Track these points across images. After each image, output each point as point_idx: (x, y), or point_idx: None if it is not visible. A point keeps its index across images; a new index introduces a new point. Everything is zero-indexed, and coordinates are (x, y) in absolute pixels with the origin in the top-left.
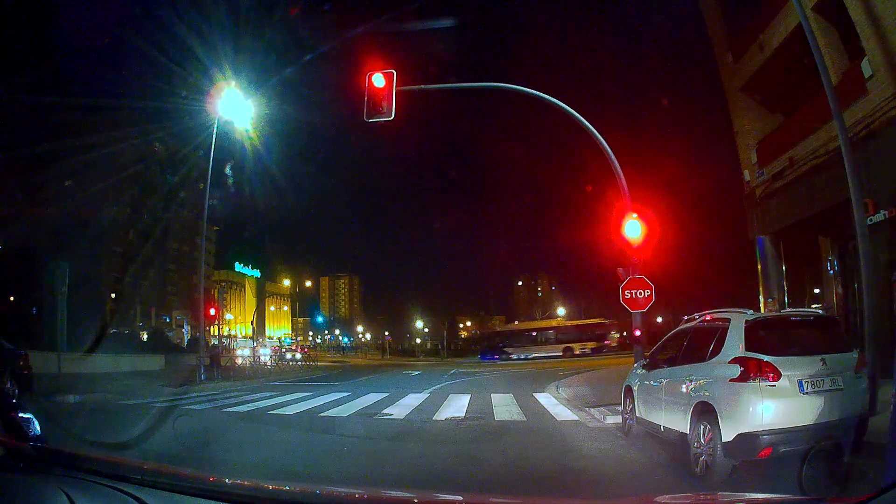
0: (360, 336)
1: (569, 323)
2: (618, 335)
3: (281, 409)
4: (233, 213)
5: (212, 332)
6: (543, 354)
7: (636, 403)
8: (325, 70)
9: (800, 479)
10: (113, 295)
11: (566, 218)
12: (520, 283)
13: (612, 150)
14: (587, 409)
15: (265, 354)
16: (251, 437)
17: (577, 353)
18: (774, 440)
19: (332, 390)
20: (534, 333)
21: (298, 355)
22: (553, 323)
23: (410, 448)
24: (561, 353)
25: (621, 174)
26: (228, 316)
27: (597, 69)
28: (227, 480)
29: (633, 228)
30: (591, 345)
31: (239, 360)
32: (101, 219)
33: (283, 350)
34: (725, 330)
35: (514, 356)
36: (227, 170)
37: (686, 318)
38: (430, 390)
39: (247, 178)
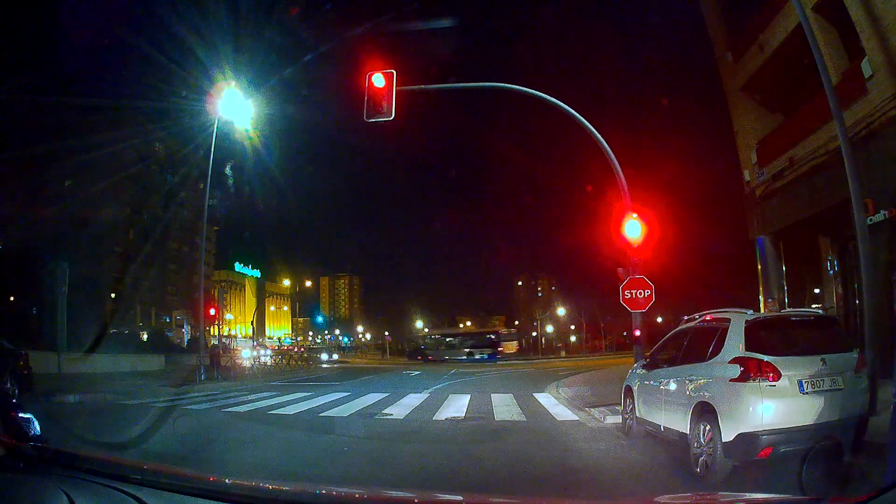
0: (361, 336)
1: (471, 330)
2: (515, 342)
3: (281, 409)
4: (233, 213)
5: (212, 332)
6: (452, 357)
7: (636, 403)
8: (325, 70)
9: (800, 479)
10: (113, 295)
11: (566, 218)
12: (520, 283)
13: (612, 150)
14: (587, 409)
15: (265, 355)
16: (251, 437)
17: (477, 357)
18: (774, 440)
19: (331, 390)
20: (445, 339)
21: (336, 356)
22: (459, 330)
23: (410, 448)
24: (465, 357)
25: (621, 174)
26: (228, 316)
27: (597, 69)
28: (227, 480)
29: (633, 228)
30: (487, 350)
31: (247, 363)
32: (101, 219)
33: (310, 348)
34: (725, 330)
35: (430, 358)
36: (227, 170)
37: (686, 318)
38: (430, 390)
39: (247, 178)
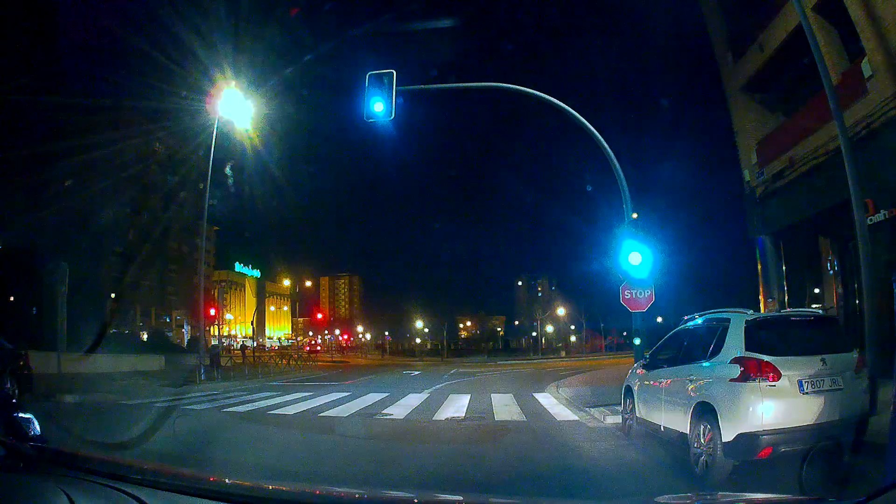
0: (360, 336)
1: None
2: None
3: (281, 409)
4: (233, 213)
5: (212, 333)
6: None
7: (636, 403)
8: (325, 70)
9: (800, 479)
10: (113, 295)
11: (566, 218)
12: (520, 283)
13: (612, 150)
14: (587, 409)
15: None
16: (251, 437)
17: None
18: (774, 440)
19: (331, 390)
20: None
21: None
22: None
23: (410, 448)
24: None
25: (621, 174)
26: (228, 316)
27: (597, 70)
28: (227, 480)
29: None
30: None
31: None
32: (101, 219)
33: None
34: (725, 330)
35: None
36: (227, 170)
37: (686, 318)
38: (430, 390)
39: (247, 178)
